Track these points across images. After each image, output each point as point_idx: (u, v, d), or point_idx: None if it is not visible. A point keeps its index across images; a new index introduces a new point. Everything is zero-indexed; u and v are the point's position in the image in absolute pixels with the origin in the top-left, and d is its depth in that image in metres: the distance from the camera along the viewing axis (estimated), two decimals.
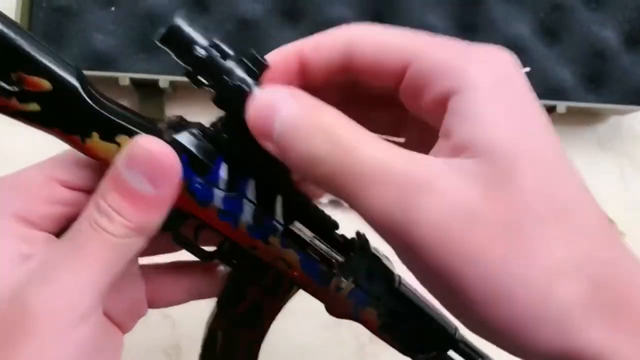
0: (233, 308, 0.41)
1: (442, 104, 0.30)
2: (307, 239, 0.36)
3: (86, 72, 0.64)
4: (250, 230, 0.35)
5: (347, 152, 0.28)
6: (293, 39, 0.68)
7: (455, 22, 0.70)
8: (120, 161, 0.31)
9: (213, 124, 0.35)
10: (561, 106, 0.68)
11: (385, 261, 0.39)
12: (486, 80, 0.29)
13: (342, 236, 0.40)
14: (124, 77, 0.65)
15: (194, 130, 0.34)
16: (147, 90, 0.67)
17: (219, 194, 0.34)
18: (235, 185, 0.34)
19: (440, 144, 0.30)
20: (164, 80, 0.65)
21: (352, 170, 0.28)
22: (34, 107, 0.31)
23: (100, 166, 0.33)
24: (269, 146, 0.30)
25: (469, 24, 0.70)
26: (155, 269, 0.41)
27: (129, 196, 0.31)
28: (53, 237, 0.34)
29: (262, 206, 0.35)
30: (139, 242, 0.33)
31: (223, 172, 0.34)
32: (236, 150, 0.34)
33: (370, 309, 0.38)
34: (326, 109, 0.30)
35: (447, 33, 0.69)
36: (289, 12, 0.69)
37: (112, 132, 0.32)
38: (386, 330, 0.38)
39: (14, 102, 0.31)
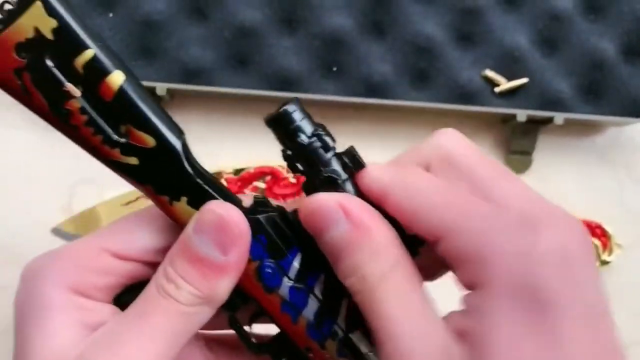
0: None
1: (468, 287, 0.30)
2: (364, 352, 0.35)
3: None
4: (309, 328, 0.34)
5: (375, 298, 0.30)
6: (291, 47, 0.68)
7: (454, 33, 0.70)
8: (190, 225, 0.31)
9: (294, 211, 0.34)
10: (559, 117, 0.68)
11: None
12: (510, 282, 0.28)
13: None
14: None
15: (275, 214, 0.33)
16: None
17: (287, 283, 0.33)
18: (305, 279, 0.34)
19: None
20: (161, 88, 0.65)
21: (378, 315, 0.30)
22: (133, 160, 0.31)
23: (157, 236, 0.33)
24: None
25: (468, 34, 0.70)
26: (216, 342, 0.40)
27: (197, 262, 0.31)
28: (115, 307, 0.33)
29: (327, 307, 0.34)
30: (206, 312, 0.32)
31: (297, 261, 0.33)
32: (312, 243, 0.33)
33: None
34: (379, 229, 0.31)
35: (445, 43, 0.69)
36: (288, 20, 0.69)
37: (200, 199, 0.32)
38: None
39: (116, 152, 0.31)
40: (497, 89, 0.70)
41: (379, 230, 0.31)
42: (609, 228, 0.69)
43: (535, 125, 0.70)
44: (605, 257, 0.68)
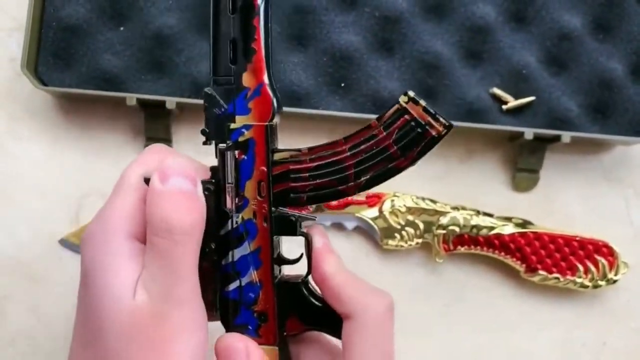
0: None
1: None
2: None
3: (94, 92, 0.65)
4: None
5: None
6: (302, 63, 0.69)
7: (463, 50, 0.71)
8: None
9: None
10: (566, 136, 0.68)
11: None
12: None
13: None
14: (131, 98, 0.65)
15: None
16: (153, 110, 0.67)
17: None
18: None
19: None
20: (170, 102, 0.66)
21: None
22: None
23: None
24: None
25: (476, 52, 0.71)
26: None
27: None
28: None
29: None
30: None
31: None
32: None
33: None
34: None
35: (453, 60, 0.69)
36: (298, 37, 0.69)
37: None
38: None
39: None
40: (504, 107, 0.70)
41: None
42: (615, 247, 0.69)
43: (542, 144, 0.70)
44: (612, 276, 0.68)
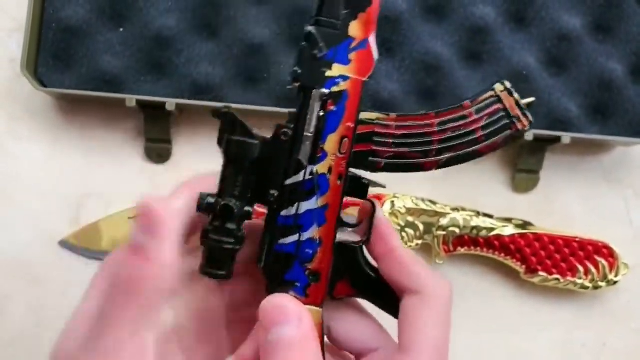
0: None
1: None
2: None
3: (93, 93, 0.65)
4: None
5: None
6: None
7: (462, 52, 0.71)
8: None
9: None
10: (566, 137, 0.68)
11: None
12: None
13: None
14: (131, 99, 0.65)
15: None
16: (153, 111, 0.67)
17: None
18: None
19: None
20: (170, 103, 0.66)
21: None
22: None
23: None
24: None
25: (475, 53, 0.71)
26: None
27: None
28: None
29: None
30: None
31: None
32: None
33: None
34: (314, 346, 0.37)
35: (453, 62, 0.70)
36: (296, 38, 0.69)
37: None
38: None
39: None
40: None
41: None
42: (616, 247, 0.69)
43: (542, 144, 0.70)
44: (612, 277, 0.68)
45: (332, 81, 0.38)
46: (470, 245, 0.68)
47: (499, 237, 0.67)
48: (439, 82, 0.70)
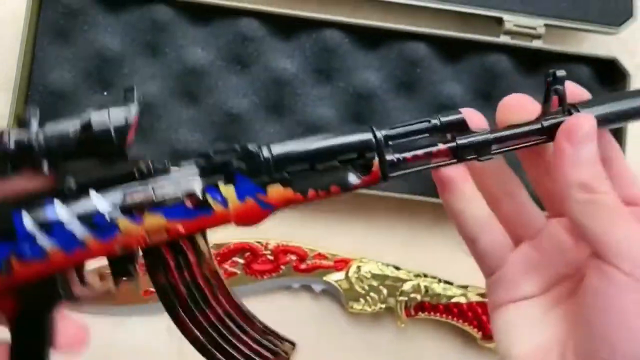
0: None
1: None
2: None
3: None
4: None
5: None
6: (277, 133, 0.71)
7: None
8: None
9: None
10: None
11: None
12: None
13: None
14: None
15: None
16: None
17: None
18: None
19: None
20: None
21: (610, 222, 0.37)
22: None
23: None
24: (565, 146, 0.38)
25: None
26: None
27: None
28: None
29: None
30: None
31: None
32: None
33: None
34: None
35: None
36: (274, 108, 0.72)
37: None
38: None
39: None
40: None
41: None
42: None
43: None
44: None
45: None
46: (431, 310, 0.71)
47: (457, 304, 0.70)
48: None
